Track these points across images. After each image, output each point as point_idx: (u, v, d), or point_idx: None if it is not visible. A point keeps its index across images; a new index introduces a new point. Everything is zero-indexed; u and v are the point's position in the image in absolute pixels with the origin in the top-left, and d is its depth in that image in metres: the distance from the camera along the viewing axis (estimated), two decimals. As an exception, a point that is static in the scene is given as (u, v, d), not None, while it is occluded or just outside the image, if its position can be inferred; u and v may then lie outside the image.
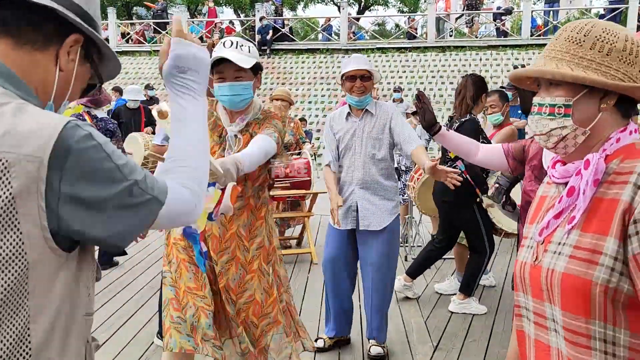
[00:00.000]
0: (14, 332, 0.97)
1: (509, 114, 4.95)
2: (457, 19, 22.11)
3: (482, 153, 2.82)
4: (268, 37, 20.28)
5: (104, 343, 3.84)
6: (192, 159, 1.18)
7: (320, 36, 23.12)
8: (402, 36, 22.40)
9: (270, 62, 20.01)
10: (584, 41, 1.21)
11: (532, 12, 20.02)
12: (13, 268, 0.95)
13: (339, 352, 3.81)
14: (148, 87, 11.25)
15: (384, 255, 3.61)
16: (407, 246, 6.08)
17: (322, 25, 22.95)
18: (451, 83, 17.23)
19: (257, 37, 20.55)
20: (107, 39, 19.48)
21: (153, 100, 10.76)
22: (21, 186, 0.93)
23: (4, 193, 0.93)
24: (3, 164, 0.93)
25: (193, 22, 23.09)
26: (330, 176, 3.67)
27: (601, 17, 18.26)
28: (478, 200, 4.34)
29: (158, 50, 1.44)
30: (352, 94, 3.53)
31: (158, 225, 1.10)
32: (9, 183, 0.93)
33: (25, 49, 1.05)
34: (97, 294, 4.81)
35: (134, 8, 31.17)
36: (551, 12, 20.00)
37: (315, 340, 3.82)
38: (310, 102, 17.67)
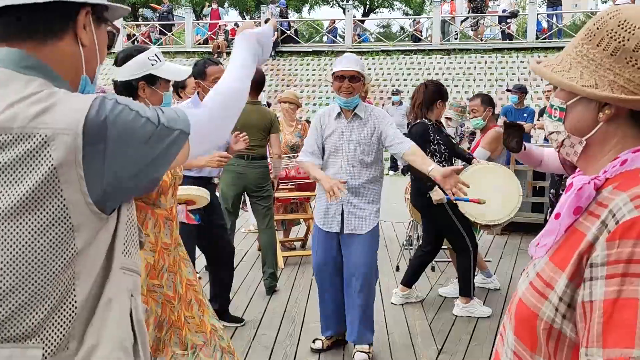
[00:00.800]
0: (61, 287, 1.09)
1: (492, 117, 5.02)
2: (462, 21, 22.04)
3: (544, 160, 2.59)
4: (273, 39, 20.32)
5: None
6: (227, 86, 1.36)
7: (325, 38, 23.13)
8: (407, 39, 22.39)
9: (276, 64, 20.04)
10: (594, 35, 1.03)
11: (537, 15, 19.97)
12: (59, 230, 1.07)
13: (342, 354, 3.80)
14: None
15: (367, 258, 3.59)
16: (411, 249, 6.05)
17: (327, 28, 22.98)
18: (456, 86, 17.21)
19: (262, 39, 20.57)
20: (112, 41, 19.47)
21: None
22: (60, 157, 1.04)
23: (47, 164, 1.04)
24: (43, 138, 1.04)
25: (198, 24, 23.13)
26: (312, 166, 3.52)
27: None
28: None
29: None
30: (340, 94, 3.47)
31: (194, 151, 1.23)
32: (50, 155, 1.04)
33: (48, 44, 1.14)
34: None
35: (140, 10, 31.23)
36: (555, 16, 19.95)
37: (313, 342, 3.83)
38: (315, 104, 17.66)
